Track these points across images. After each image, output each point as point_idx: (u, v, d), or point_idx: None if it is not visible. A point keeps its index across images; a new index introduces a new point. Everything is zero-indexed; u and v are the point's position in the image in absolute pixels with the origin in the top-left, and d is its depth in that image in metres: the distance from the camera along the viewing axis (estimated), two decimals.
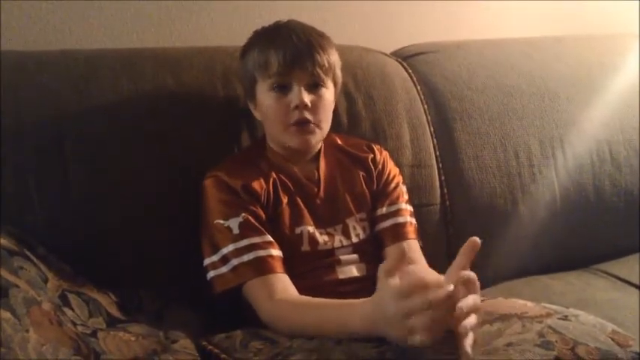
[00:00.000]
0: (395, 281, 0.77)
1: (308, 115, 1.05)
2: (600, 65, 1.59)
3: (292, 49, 1.04)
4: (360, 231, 1.12)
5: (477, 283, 0.78)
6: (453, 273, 0.77)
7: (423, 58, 1.47)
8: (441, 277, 0.76)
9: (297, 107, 1.04)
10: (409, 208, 1.17)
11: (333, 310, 0.91)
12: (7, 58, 1.10)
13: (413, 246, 1.12)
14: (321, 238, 1.08)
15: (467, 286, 0.77)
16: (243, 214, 1.02)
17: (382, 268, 0.79)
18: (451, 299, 0.74)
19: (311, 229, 1.08)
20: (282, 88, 1.05)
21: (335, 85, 1.12)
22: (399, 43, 1.55)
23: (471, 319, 0.76)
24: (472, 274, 0.77)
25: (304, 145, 1.08)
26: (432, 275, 0.77)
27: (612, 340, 0.82)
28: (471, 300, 0.76)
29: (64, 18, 1.28)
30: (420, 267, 1.08)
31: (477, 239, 0.77)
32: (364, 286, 1.05)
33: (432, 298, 0.73)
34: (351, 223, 1.12)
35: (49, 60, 1.14)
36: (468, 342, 0.74)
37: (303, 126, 1.06)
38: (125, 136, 1.12)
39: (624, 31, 1.78)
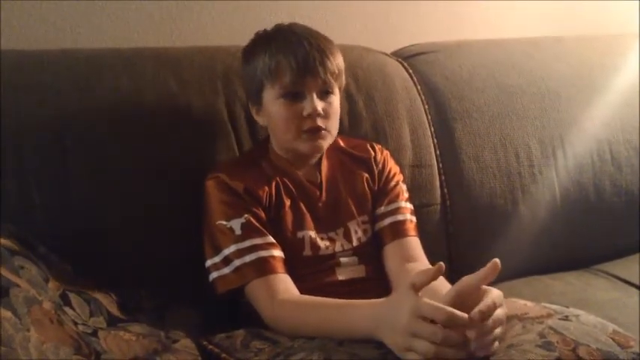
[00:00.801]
0: (421, 298, 0.78)
1: (320, 123, 1.04)
2: (601, 65, 1.59)
3: (304, 56, 1.03)
4: (361, 234, 1.12)
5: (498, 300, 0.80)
6: (471, 289, 0.79)
7: (423, 58, 1.47)
8: (467, 317, 0.76)
9: (309, 115, 1.04)
10: (409, 206, 1.17)
11: (336, 309, 0.91)
12: (7, 57, 1.10)
13: (413, 243, 1.12)
14: (323, 243, 1.08)
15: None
16: (246, 215, 1.02)
17: (411, 280, 0.80)
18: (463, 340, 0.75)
19: (312, 234, 1.08)
20: (293, 96, 1.04)
21: (340, 89, 1.11)
22: (400, 43, 1.55)
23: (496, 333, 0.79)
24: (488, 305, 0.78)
25: (316, 150, 1.08)
26: (459, 311, 0.76)
27: (613, 340, 0.82)
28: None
29: (64, 17, 1.28)
30: (421, 264, 1.09)
31: (498, 262, 0.79)
32: (363, 287, 1.06)
33: (445, 336, 0.74)
34: (352, 226, 1.12)
35: (50, 59, 1.14)
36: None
37: (316, 133, 1.05)
38: (125, 135, 1.11)
39: (624, 31, 1.78)
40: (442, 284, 0.96)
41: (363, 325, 0.84)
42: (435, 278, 0.80)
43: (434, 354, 0.74)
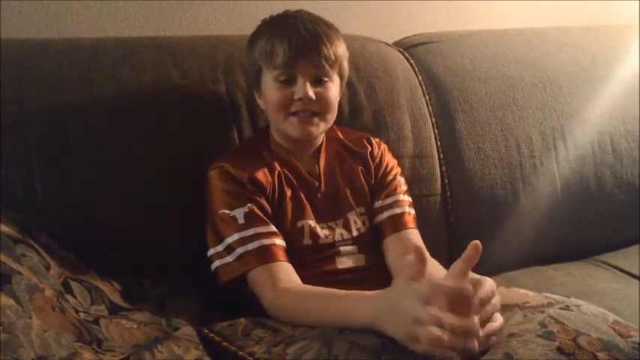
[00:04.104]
0: (420, 281, 0.76)
1: (311, 107, 1.04)
2: (603, 56, 1.59)
3: (298, 40, 1.02)
4: (360, 225, 1.12)
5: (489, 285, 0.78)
6: (457, 279, 0.76)
7: (425, 49, 1.47)
8: (470, 288, 0.74)
9: (300, 99, 1.04)
10: (407, 198, 1.17)
11: (337, 299, 0.91)
12: (8, 46, 1.10)
13: (412, 235, 1.12)
14: (322, 232, 1.09)
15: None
16: (249, 205, 1.02)
17: (405, 273, 0.78)
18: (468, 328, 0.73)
19: (312, 223, 1.08)
20: (286, 80, 1.04)
21: (341, 78, 1.11)
22: (402, 33, 1.55)
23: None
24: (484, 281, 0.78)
25: (305, 135, 1.07)
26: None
27: (614, 330, 0.82)
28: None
29: (65, 6, 1.28)
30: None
31: (478, 243, 0.76)
32: (363, 276, 1.07)
33: (449, 323, 0.72)
34: (351, 217, 1.12)
35: (51, 48, 1.13)
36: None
37: (305, 116, 1.05)
38: (126, 124, 1.11)
39: (626, 22, 1.77)
40: (439, 271, 0.96)
41: (363, 316, 0.84)
42: (422, 263, 0.77)
43: (436, 339, 0.71)
